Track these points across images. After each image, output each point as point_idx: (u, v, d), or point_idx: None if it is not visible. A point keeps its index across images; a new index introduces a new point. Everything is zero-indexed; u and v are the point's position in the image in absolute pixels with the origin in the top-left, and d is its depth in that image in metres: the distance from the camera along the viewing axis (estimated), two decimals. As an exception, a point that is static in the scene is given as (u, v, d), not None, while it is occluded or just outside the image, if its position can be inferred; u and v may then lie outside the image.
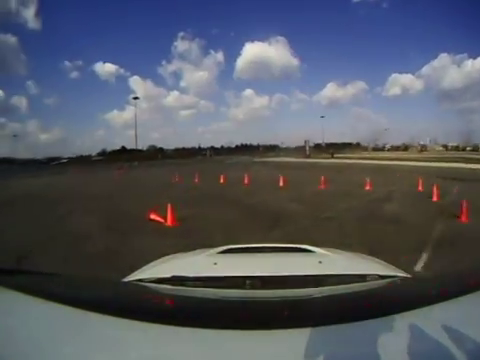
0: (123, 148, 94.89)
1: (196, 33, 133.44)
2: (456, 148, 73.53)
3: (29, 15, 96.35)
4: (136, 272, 1.51)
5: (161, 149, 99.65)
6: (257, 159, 55.83)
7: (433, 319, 0.77)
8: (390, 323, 0.74)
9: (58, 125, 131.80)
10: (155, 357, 0.68)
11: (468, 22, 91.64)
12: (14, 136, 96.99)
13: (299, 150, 78.00)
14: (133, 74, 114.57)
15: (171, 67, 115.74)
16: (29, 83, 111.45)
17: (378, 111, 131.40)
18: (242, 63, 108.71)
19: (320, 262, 1.46)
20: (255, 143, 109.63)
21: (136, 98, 70.80)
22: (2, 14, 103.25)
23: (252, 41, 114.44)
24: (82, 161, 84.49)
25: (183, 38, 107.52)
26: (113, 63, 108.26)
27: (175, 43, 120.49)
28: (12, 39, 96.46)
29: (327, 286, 1.11)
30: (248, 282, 1.15)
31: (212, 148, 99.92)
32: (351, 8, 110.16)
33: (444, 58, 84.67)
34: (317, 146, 78.58)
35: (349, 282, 1.15)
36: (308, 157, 57.37)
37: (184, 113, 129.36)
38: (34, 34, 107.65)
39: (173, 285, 1.16)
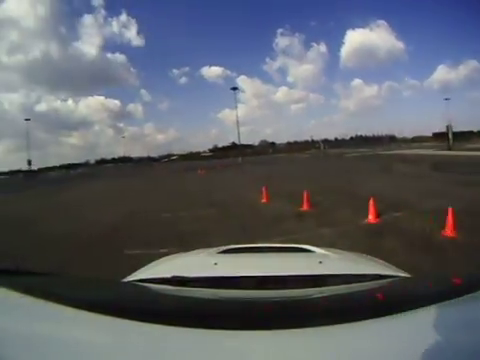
0: (233, 144, 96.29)
1: (295, 28, 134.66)
2: None
3: (132, 35, 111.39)
4: (136, 272, 1.50)
5: (272, 143, 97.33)
6: (382, 151, 45.46)
7: (433, 319, 0.76)
8: (390, 323, 0.73)
9: (173, 126, 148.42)
10: (155, 357, 0.67)
11: None
12: (122, 137, 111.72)
13: (422, 140, 64.72)
14: (240, 74, 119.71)
15: (276, 64, 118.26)
16: (142, 92, 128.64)
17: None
18: (346, 52, 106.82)
19: (320, 262, 1.44)
20: (370, 134, 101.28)
21: (234, 88, 67.10)
22: (108, 38, 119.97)
23: (353, 29, 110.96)
24: (192, 157, 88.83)
25: (283, 34, 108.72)
26: (219, 66, 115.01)
27: (276, 40, 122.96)
28: (120, 57, 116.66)
29: (327, 286, 1.10)
30: (248, 282, 1.14)
31: (325, 141, 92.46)
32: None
33: None
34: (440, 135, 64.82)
35: (349, 282, 1.13)
36: (451, 148, 43.89)
37: (294, 107, 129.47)
38: (139, 50, 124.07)
39: (173, 285, 1.14)
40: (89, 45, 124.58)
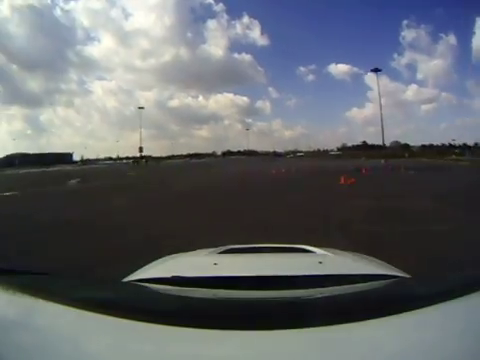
0: (364, 143, 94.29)
1: (420, 18, 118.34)
2: None
3: (256, 36, 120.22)
4: (136, 272, 1.49)
5: (407, 146, 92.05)
6: None
7: (433, 319, 0.76)
8: (390, 323, 0.73)
9: (300, 123, 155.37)
10: (155, 357, 0.68)
11: None
12: (247, 130, 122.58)
13: None
14: (367, 71, 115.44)
15: (404, 60, 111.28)
16: (270, 89, 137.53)
17: None
18: (478, 43, 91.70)
19: (320, 262, 1.43)
20: None
21: (377, 70, 56.20)
22: (232, 40, 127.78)
23: None
24: (319, 155, 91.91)
25: (408, 26, 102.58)
26: (345, 63, 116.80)
27: (402, 33, 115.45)
28: (247, 57, 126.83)
29: (327, 286, 1.09)
30: (248, 282, 1.13)
31: (466, 146, 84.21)
32: None
33: None
34: None
35: (349, 282, 1.12)
36: None
37: (425, 107, 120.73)
38: (265, 49, 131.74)
39: (173, 285, 1.14)
40: (215, 47, 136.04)
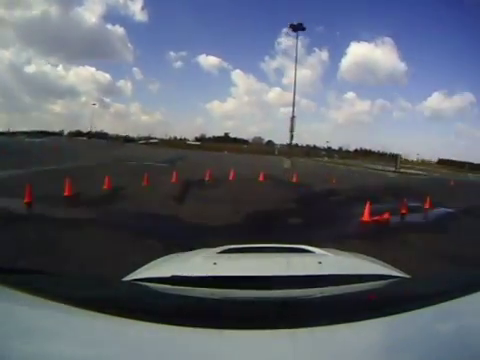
0: (226, 135, 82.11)
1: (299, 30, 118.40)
2: None
3: (136, 9, 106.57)
4: (136, 272, 1.49)
5: (270, 142, 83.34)
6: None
7: (433, 319, 0.77)
8: (390, 323, 0.74)
9: (159, 109, 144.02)
10: (155, 357, 0.67)
11: None
12: (93, 104, 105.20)
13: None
14: (236, 68, 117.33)
15: (274, 64, 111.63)
16: (135, 69, 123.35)
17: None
18: (347, 63, 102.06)
19: (320, 262, 1.43)
20: (351, 148, 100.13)
21: (301, 28, 34.92)
22: (111, 7, 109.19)
23: (358, 41, 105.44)
24: (176, 144, 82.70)
25: (287, 34, 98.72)
26: (216, 56, 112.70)
27: (278, 39, 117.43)
28: (120, 30, 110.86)
29: (327, 286, 1.08)
30: (248, 282, 1.13)
31: (331, 150, 79.74)
32: (466, 5, 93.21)
33: None
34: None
35: (349, 282, 1.12)
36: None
37: (284, 110, 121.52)
38: (141, 26, 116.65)
39: (173, 285, 1.13)
40: (90, 13, 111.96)
